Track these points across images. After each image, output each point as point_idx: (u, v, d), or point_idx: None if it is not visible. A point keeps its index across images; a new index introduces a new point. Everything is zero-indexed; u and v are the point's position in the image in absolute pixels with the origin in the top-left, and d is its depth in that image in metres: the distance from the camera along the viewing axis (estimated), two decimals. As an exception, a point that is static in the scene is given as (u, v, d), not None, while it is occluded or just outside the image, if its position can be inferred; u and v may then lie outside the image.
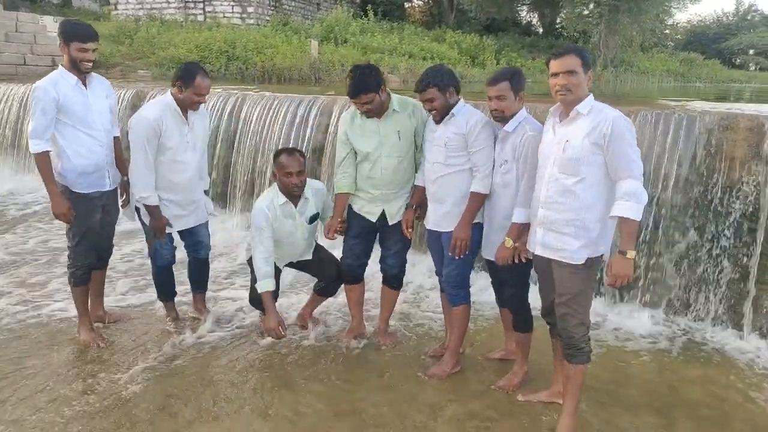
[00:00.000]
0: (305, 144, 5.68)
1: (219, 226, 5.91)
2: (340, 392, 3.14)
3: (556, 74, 2.53)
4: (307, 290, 4.33)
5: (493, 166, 3.00)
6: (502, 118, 2.89)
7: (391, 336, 3.75)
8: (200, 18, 18.37)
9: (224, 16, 18.34)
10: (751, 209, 3.83)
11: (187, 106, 3.38)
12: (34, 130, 3.19)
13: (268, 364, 3.41)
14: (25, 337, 3.64)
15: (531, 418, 2.93)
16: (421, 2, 31.86)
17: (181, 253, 3.83)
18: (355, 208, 3.46)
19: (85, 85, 3.32)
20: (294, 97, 6.09)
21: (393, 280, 3.57)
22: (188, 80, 3.30)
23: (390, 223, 3.41)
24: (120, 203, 3.64)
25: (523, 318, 3.12)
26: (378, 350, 3.61)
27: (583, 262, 2.56)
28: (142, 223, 3.54)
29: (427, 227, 3.28)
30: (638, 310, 4.18)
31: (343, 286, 3.67)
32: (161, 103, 3.37)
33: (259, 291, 3.34)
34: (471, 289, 3.28)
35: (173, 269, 3.78)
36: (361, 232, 3.47)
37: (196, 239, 3.77)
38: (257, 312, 3.86)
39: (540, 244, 2.67)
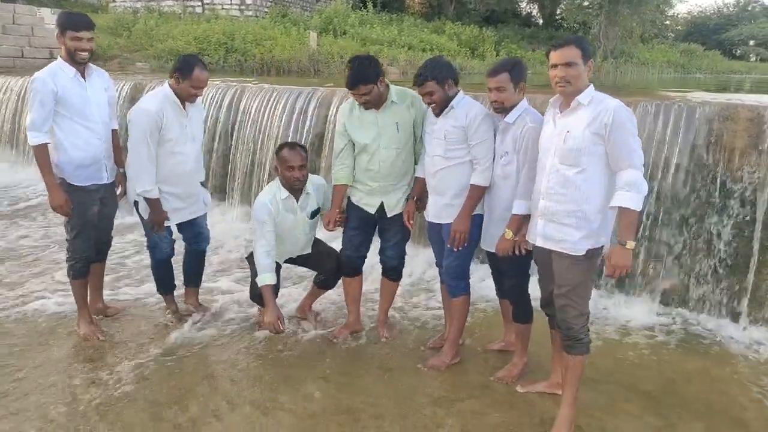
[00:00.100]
0: (304, 136, 5.66)
1: (218, 218, 5.91)
2: (340, 384, 3.14)
3: (555, 66, 2.52)
4: (307, 282, 4.33)
5: (494, 157, 2.99)
6: (502, 109, 2.88)
7: (391, 328, 3.75)
8: (198, 10, 18.27)
9: (222, 8, 18.24)
10: (750, 199, 3.82)
11: (184, 98, 3.36)
12: (32, 122, 3.18)
13: (268, 357, 3.42)
14: (25, 330, 3.64)
15: (530, 408, 2.94)
16: (420, -7, 31.69)
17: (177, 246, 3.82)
18: (354, 200, 3.46)
19: (83, 77, 3.31)
20: (293, 89, 6.06)
21: (392, 271, 3.57)
22: (186, 72, 3.28)
23: (388, 215, 3.40)
24: (117, 195, 3.63)
25: (523, 309, 3.12)
26: (378, 342, 3.62)
27: (584, 253, 2.56)
28: (141, 217, 3.53)
29: (428, 220, 3.28)
30: (636, 301, 4.18)
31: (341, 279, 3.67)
32: (160, 94, 3.35)
33: (259, 284, 3.34)
34: (470, 281, 3.28)
35: (171, 262, 3.77)
36: (359, 224, 3.47)
37: (197, 231, 3.76)
38: (256, 305, 3.86)
39: (541, 236, 2.66)
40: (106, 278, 3.99)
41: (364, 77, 3.08)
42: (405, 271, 3.70)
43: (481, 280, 4.31)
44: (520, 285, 3.10)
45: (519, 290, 3.11)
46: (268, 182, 5.53)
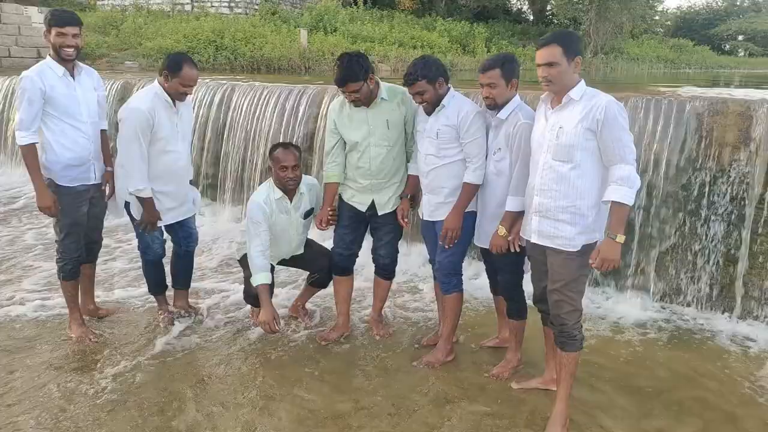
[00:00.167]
0: (296, 134, 5.64)
1: (209, 218, 5.88)
2: (334, 384, 3.13)
3: (539, 65, 2.53)
4: (300, 281, 4.32)
5: (486, 154, 2.98)
6: (494, 105, 2.88)
7: (385, 326, 3.75)
8: (188, 8, 18.16)
9: (212, 6, 18.14)
10: (740, 194, 3.84)
11: (174, 96, 3.33)
12: (20, 122, 3.15)
13: (261, 358, 3.40)
14: (15, 333, 3.61)
15: (525, 405, 2.94)
16: (410, -10, 31.63)
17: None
18: (345, 197, 3.45)
19: (73, 76, 3.27)
20: (284, 87, 6.03)
21: (385, 270, 3.57)
22: (175, 70, 3.25)
23: (379, 213, 3.39)
24: (106, 194, 3.59)
25: (517, 306, 3.13)
26: (371, 340, 3.61)
27: (579, 248, 2.56)
28: (132, 218, 3.49)
29: (423, 218, 3.27)
30: (628, 297, 4.20)
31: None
32: (150, 93, 3.31)
33: (254, 284, 3.32)
34: (463, 278, 3.28)
35: (163, 263, 3.74)
36: (351, 222, 3.46)
37: (186, 232, 3.73)
38: (249, 305, 3.85)
39: (535, 232, 2.66)
40: (97, 279, 3.95)
41: (353, 75, 3.06)
42: (399, 269, 3.69)
43: (474, 278, 4.32)
44: (514, 281, 3.10)
45: (513, 287, 3.11)
46: (260, 182, 5.52)
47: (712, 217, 3.94)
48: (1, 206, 6.54)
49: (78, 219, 3.39)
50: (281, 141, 4.60)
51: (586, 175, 2.50)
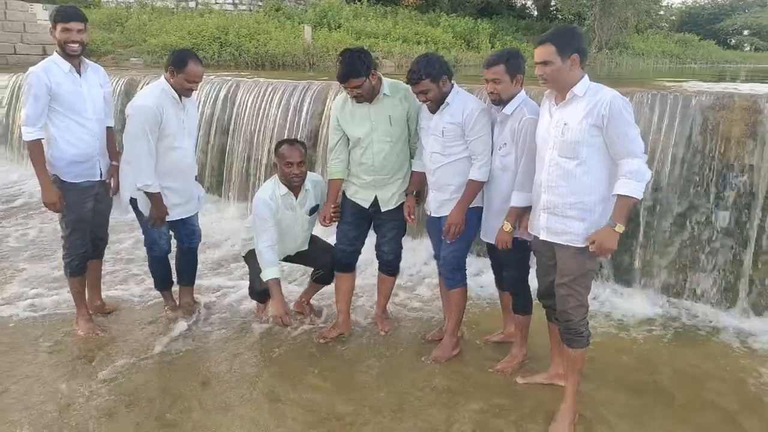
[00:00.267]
0: (300, 130, 5.64)
1: (214, 215, 5.90)
2: (339, 380, 3.15)
3: (536, 63, 2.54)
4: (303, 278, 4.33)
5: (492, 150, 2.98)
6: (499, 101, 2.87)
7: (389, 321, 3.76)
8: (192, 4, 18.16)
9: (216, 2, 18.14)
10: (747, 188, 3.83)
11: (179, 92, 3.33)
12: (26, 117, 3.16)
13: (265, 354, 3.42)
14: (22, 328, 3.64)
15: (530, 400, 2.95)
16: (414, -14, 31.51)
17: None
18: (348, 194, 3.44)
19: (79, 72, 3.28)
20: (288, 83, 6.04)
21: (388, 266, 3.57)
22: (179, 65, 3.26)
23: (382, 210, 3.39)
24: (112, 192, 3.61)
25: (523, 301, 3.13)
26: (376, 336, 3.62)
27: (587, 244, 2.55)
28: (138, 214, 3.50)
29: (429, 214, 3.27)
30: (634, 292, 4.19)
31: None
32: (157, 89, 3.31)
33: (264, 279, 3.32)
34: (468, 273, 3.28)
35: (169, 258, 3.76)
36: (354, 219, 3.45)
37: (190, 228, 3.74)
38: (254, 301, 3.87)
39: (544, 229, 2.65)
40: (103, 275, 3.98)
41: (355, 70, 3.05)
42: (404, 264, 3.70)
43: (477, 274, 4.32)
44: (520, 277, 3.10)
45: (519, 282, 3.11)
46: (265, 178, 5.53)
47: (719, 212, 3.92)
48: (6, 203, 6.58)
49: (83, 215, 3.41)
50: (286, 137, 4.60)
51: (592, 170, 2.50)
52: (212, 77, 6.66)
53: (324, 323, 3.75)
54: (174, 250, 3.78)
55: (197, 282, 3.99)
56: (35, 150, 3.20)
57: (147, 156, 3.27)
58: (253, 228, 3.46)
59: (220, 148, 6.26)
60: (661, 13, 32.00)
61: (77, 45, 3.20)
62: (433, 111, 3.06)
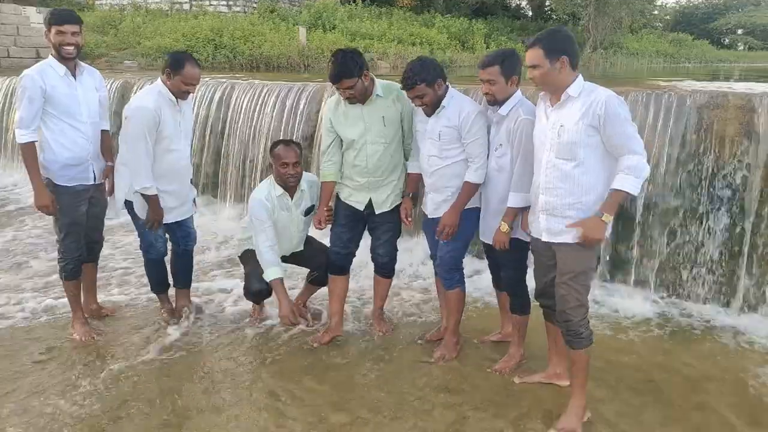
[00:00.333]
0: (296, 132, 5.64)
1: (210, 217, 5.88)
2: (337, 381, 3.14)
3: (527, 66, 2.55)
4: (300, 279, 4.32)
5: (488, 153, 2.98)
6: (494, 101, 2.87)
7: (386, 322, 3.75)
8: (186, 6, 18.12)
9: (210, 4, 18.09)
10: (741, 187, 3.84)
11: (176, 94, 3.32)
12: (20, 120, 3.15)
13: (263, 356, 3.41)
14: (17, 333, 3.62)
15: (528, 400, 2.95)
16: (409, -13, 31.53)
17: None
18: (342, 196, 3.43)
19: (74, 75, 3.27)
20: (283, 84, 6.03)
21: (384, 268, 3.56)
22: (176, 68, 3.24)
23: (377, 212, 3.37)
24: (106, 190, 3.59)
25: (521, 301, 3.13)
26: (373, 337, 3.62)
27: None
28: (134, 216, 3.49)
29: (428, 215, 3.26)
30: (630, 291, 4.20)
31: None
32: (154, 91, 3.29)
33: (267, 279, 3.32)
34: (465, 274, 3.28)
35: (165, 261, 3.74)
36: (348, 221, 3.43)
37: (185, 231, 3.71)
38: (250, 303, 3.86)
39: (545, 231, 2.64)
40: (98, 279, 3.96)
41: (347, 71, 3.03)
42: (401, 265, 3.69)
43: (476, 274, 4.32)
44: (517, 277, 3.10)
45: (516, 282, 3.11)
46: (260, 180, 5.51)
47: (714, 211, 3.94)
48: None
49: (77, 218, 3.39)
50: (282, 138, 4.60)
51: (590, 171, 2.49)
52: (207, 79, 6.65)
53: (323, 325, 3.74)
54: (169, 253, 3.76)
55: (193, 284, 3.97)
56: (28, 153, 3.18)
57: (145, 158, 3.25)
58: (250, 228, 3.45)
59: (216, 150, 6.25)
60: (655, 12, 32.12)
61: (72, 47, 3.19)
62: (428, 114, 3.05)
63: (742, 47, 41.15)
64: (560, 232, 2.59)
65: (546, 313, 2.95)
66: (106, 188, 3.56)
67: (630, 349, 3.51)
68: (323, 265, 3.59)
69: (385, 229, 3.44)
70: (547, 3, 28.77)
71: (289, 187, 3.39)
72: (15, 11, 12.75)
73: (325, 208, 3.41)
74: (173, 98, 3.30)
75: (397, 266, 3.63)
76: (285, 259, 3.70)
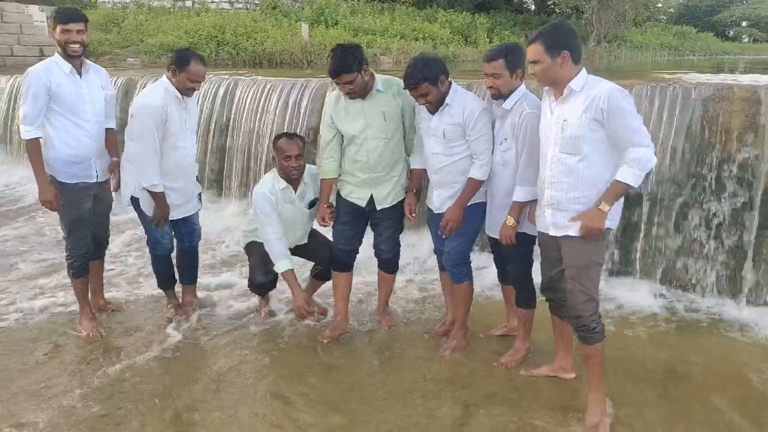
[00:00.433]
0: (299, 128, 5.64)
1: (215, 213, 5.89)
2: (342, 374, 3.15)
3: (529, 62, 2.55)
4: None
5: (493, 145, 2.98)
6: (498, 95, 2.86)
7: (391, 316, 3.76)
8: (188, 3, 18.11)
9: (213, 1, 18.09)
10: (747, 179, 3.83)
11: (181, 91, 3.33)
12: (25, 116, 3.17)
13: (269, 349, 3.43)
14: (26, 329, 3.64)
15: (534, 393, 2.96)
16: (411, -19, 31.41)
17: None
18: (343, 193, 3.42)
19: (80, 74, 3.28)
20: (287, 81, 6.03)
21: (387, 264, 3.56)
22: (181, 65, 3.25)
23: (378, 208, 3.37)
24: (112, 188, 3.60)
25: (526, 294, 3.13)
26: (379, 331, 3.62)
27: None
28: (141, 213, 3.50)
29: (434, 211, 3.25)
30: (636, 283, 4.20)
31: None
32: (161, 88, 3.30)
33: (279, 272, 3.35)
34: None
35: (171, 257, 3.76)
36: (350, 218, 3.42)
37: (190, 227, 3.74)
38: (254, 296, 3.88)
39: (552, 225, 2.63)
40: (105, 275, 3.98)
41: (347, 66, 3.01)
42: (405, 260, 3.69)
43: (481, 268, 4.32)
44: (523, 270, 3.10)
45: (522, 276, 3.11)
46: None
47: (720, 203, 3.92)
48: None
49: (81, 215, 3.41)
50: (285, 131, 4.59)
51: (594, 165, 2.48)
52: (210, 76, 6.65)
53: (329, 321, 3.75)
54: (175, 249, 3.78)
55: (199, 280, 3.99)
56: (33, 149, 3.20)
57: (152, 155, 3.26)
58: (255, 221, 3.46)
59: (220, 146, 6.26)
60: (659, 5, 32.00)
61: (78, 45, 3.20)
62: (432, 112, 3.03)
63: (746, 39, 40.90)
64: (565, 226, 2.58)
65: (552, 307, 2.95)
66: (112, 184, 3.57)
67: (635, 343, 3.51)
68: (326, 259, 3.60)
69: (387, 225, 3.43)
70: (550, -4, 28.63)
71: (293, 180, 3.40)
72: (18, 10, 12.77)
73: (326, 205, 3.40)
74: (179, 95, 3.31)
75: (401, 261, 3.63)
76: (289, 251, 3.71)
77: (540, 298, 3.05)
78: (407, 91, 3.08)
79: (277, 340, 3.52)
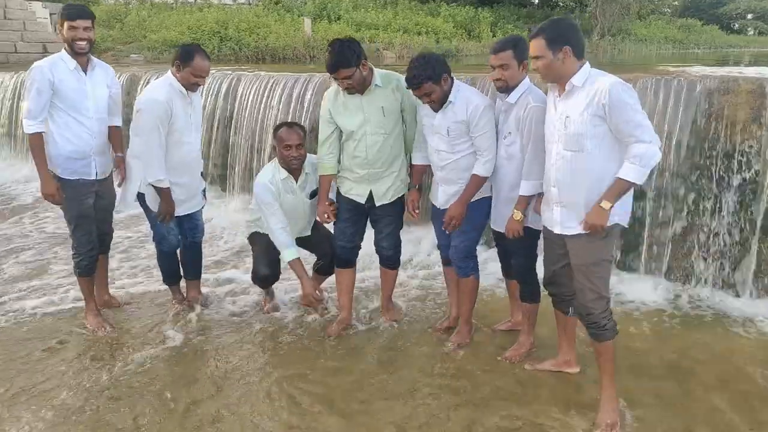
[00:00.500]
0: (303, 122, 5.63)
1: (219, 208, 5.90)
2: (347, 370, 3.16)
3: (531, 57, 2.55)
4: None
5: (497, 141, 2.97)
6: (505, 87, 2.85)
7: (395, 310, 3.76)
8: (191, -1, 18.12)
9: (215, -3, 18.09)
10: (752, 172, 3.81)
11: (186, 86, 3.32)
12: (28, 111, 3.18)
13: (274, 344, 3.43)
14: (32, 325, 3.66)
15: (538, 387, 2.96)
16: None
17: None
18: (343, 190, 3.41)
19: (85, 71, 3.29)
20: (290, 76, 6.02)
21: (389, 260, 3.55)
22: (186, 60, 3.25)
23: (377, 204, 3.35)
24: (117, 182, 3.60)
25: (530, 289, 3.13)
26: (383, 326, 3.63)
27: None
28: (146, 209, 3.50)
29: (439, 207, 3.24)
30: (641, 278, 4.18)
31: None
32: (166, 84, 3.30)
33: (286, 261, 3.35)
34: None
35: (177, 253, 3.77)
36: (350, 215, 3.41)
37: (193, 223, 3.73)
38: (258, 291, 3.88)
39: (559, 223, 2.61)
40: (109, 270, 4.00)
41: (345, 60, 2.99)
42: (408, 256, 3.68)
43: (485, 263, 4.31)
44: (527, 265, 3.10)
45: (526, 270, 3.10)
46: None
47: (725, 196, 3.90)
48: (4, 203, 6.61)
49: (83, 211, 3.41)
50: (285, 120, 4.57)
51: (598, 161, 2.44)
52: (213, 71, 6.64)
53: (331, 315, 3.75)
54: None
55: (203, 276, 4.00)
56: (35, 143, 3.22)
57: (158, 150, 3.26)
58: (257, 211, 3.46)
59: (223, 141, 6.27)
60: (664, -2, 31.76)
61: (84, 42, 3.21)
62: (435, 110, 3.02)
63: (752, 32, 40.63)
64: (572, 224, 2.57)
65: (554, 302, 2.94)
66: (119, 179, 3.57)
67: (640, 337, 3.50)
68: (328, 253, 3.59)
69: (387, 222, 3.43)
70: (553, -10, 28.48)
71: (293, 169, 3.39)
72: (21, 6, 12.79)
73: (328, 203, 3.39)
74: (184, 90, 3.31)
75: (403, 256, 3.63)
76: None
77: (544, 292, 3.05)
78: (414, 95, 3.06)
79: (282, 337, 3.52)
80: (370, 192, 3.33)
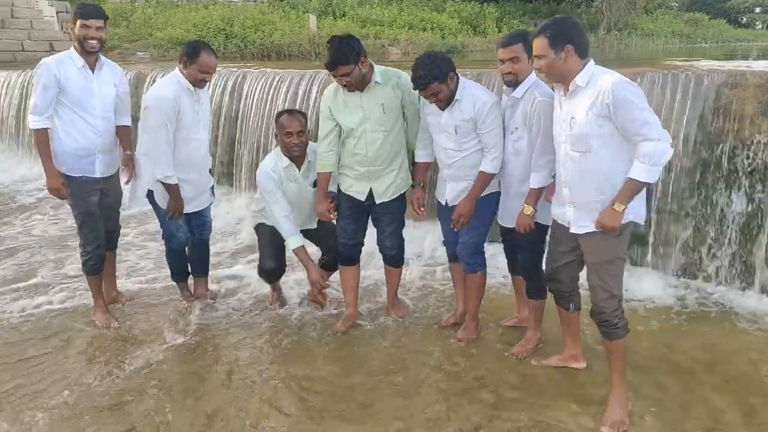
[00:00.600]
0: (309, 119, 5.62)
1: (226, 205, 5.92)
2: (353, 366, 3.16)
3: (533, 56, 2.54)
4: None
5: (504, 135, 2.96)
6: (514, 81, 2.83)
7: (401, 306, 3.77)
8: (196, -4, 18.13)
9: (220, -6, 18.09)
10: (760, 167, 3.78)
11: (193, 83, 3.33)
12: (34, 106, 3.21)
13: (280, 340, 3.45)
14: (40, 322, 3.69)
15: (544, 383, 2.96)
16: (419, -29, 31.14)
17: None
18: (343, 188, 3.40)
19: (93, 69, 3.31)
20: (295, 72, 6.03)
21: (393, 260, 3.55)
22: (192, 56, 3.26)
23: (377, 202, 3.34)
24: (125, 180, 3.62)
25: (536, 285, 3.12)
26: (389, 323, 3.63)
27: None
28: (155, 206, 3.52)
29: (446, 204, 3.23)
30: (648, 273, 4.17)
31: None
32: (173, 81, 3.31)
33: (291, 248, 3.36)
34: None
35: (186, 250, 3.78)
36: (352, 213, 3.40)
37: (201, 220, 3.75)
38: (266, 288, 3.90)
39: (573, 223, 2.60)
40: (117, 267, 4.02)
41: (343, 58, 2.97)
42: (413, 253, 3.67)
43: (490, 259, 4.31)
44: (534, 260, 3.10)
45: (533, 266, 3.11)
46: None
47: (733, 192, 3.88)
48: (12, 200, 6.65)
49: (89, 208, 3.44)
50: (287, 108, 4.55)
51: (606, 161, 2.42)
52: (219, 69, 6.63)
53: (336, 309, 3.76)
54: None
55: (211, 272, 4.02)
56: (41, 139, 3.25)
57: (166, 147, 3.27)
58: (261, 200, 3.46)
59: (230, 138, 6.28)
60: (671, -8, 31.53)
61: (95, 42, 3.24)
62: (442, 109, 3.00)
63: (760, 26, 40.28)
64: (585, 223, 2.55)
65: (556, 298, 2.93)
66: (127, 176, 3.59)
67: (647, 333, 3.48)
68: (333, 248, 3.57)
69: (389, 220, 3.42)
70: (559, -15, 28.31)
71: (295, 157, 3.38)
72: (28, 5, 12.85)
73: (327, 200, 3.38)
74: (191, 87, 3.32)
75: (408, 253, 3.62)
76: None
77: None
78: (407, 82, 3.05)
79: (289, 332, 3.53)
80: (370, 189, 3.32)
